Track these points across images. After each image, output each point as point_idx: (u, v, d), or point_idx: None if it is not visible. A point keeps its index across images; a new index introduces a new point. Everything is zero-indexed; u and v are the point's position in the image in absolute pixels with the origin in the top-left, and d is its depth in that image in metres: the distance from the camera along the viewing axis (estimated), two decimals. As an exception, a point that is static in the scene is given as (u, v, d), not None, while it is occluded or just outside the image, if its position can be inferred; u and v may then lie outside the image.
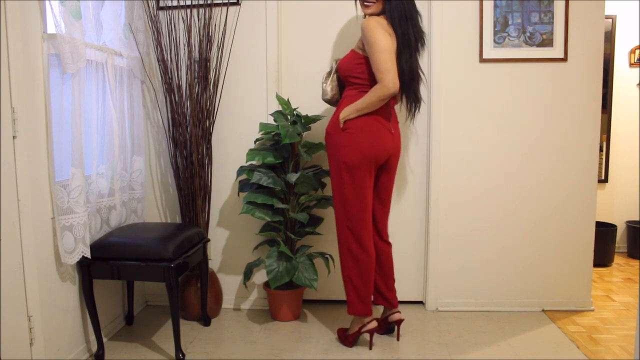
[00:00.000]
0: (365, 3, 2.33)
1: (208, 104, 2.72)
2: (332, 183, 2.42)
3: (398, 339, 2.53)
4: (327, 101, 2.52)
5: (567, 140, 2.80)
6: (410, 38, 2.31)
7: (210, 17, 2.70)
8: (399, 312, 2.54)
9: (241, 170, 2.69)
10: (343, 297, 2.96)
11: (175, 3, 2.77)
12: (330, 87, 2.48)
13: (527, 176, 2.83)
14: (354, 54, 2.37)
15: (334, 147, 2.36)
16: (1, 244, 1.79)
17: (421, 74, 2.42)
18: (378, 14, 2.32)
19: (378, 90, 2.24)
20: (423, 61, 2.77)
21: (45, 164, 2.04)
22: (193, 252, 2.47)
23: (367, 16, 2.36)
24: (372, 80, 2.30)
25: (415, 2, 2.43)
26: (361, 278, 2.39)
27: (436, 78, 2.79)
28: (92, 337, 2.35)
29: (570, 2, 2.70)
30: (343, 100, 2.40)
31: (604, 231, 3.67)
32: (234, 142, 2.88)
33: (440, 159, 2.83)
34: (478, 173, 2.84)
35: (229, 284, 2.97)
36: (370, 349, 2.43)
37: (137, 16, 2.72)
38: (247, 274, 2.72)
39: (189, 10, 2.69)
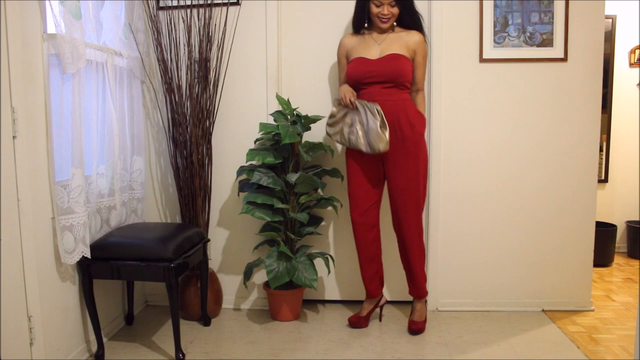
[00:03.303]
0: (383, 19, 2.45)
1: (208, 104, 2.72)
2: (414, 178, 2.49)
3: (381, 320, 2.75)
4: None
5: (567, 140, 2.80)
6: None
7: (210, 17, 2.70)
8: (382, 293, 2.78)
9: (241, 170, 2.69)
10: (343, 297, 2.99)
11: (175, 3, 2.77)
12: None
13: (527, 176, 2.83)
14: (407, 60, 2.48)
15: (424, 144, 2.56)
16: (1, 244, 1.79)
17: None
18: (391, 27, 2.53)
19: (424, 97, 2.63)
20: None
21: (45, 164, 2.04)
22: (193, 252, 2.47)
23: (377, 29, 2.52)
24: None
25: (415, 2, 2.49)
26: None
27: (436, 78, 2.78)
28: (92, 337, 2.35)
29: (570, 2, 2.70)
30: (406, 102, 2.49)
31: (604, 231, 3.67)
32: (234, 142, 2.88)
33: (439, 158, 2.83)
34: (478, 173, 2.84)
35: (229, 284, 2.97)
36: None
37: (137, 16, 2.72)
38: (247, 274, 2.72)
39: (189, 10, 2.69)
